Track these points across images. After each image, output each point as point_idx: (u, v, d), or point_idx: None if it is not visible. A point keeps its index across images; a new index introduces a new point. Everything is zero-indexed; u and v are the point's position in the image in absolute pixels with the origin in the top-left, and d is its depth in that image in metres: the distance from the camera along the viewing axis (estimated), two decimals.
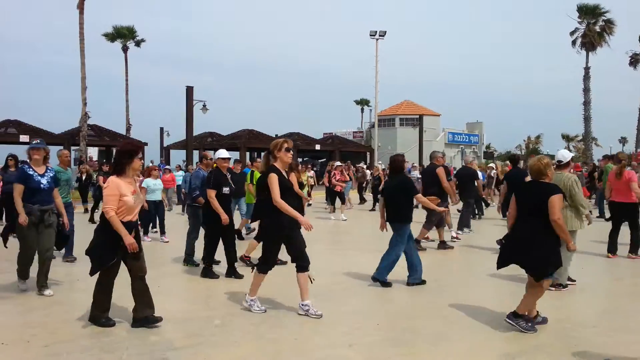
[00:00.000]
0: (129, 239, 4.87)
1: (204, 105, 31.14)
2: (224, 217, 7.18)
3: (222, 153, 7.66)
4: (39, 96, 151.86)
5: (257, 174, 9.53)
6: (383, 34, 38.57)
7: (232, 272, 7.31)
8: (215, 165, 7.81)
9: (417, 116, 46.56)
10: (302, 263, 5.52)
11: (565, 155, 6.66)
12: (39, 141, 6.64)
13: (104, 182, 5.82)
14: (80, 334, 4.87)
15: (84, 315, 5.40)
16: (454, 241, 10.66)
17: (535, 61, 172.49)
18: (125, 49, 42.52)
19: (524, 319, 5.04)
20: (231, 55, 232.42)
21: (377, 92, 40.21)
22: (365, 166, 20.89)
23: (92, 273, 5.02)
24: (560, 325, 5.30)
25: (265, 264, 5.57)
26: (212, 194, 7.21)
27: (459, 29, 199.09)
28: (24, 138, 28.45)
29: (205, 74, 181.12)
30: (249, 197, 10.62)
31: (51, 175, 6.50)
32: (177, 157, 43.70)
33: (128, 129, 40.15)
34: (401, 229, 6.90)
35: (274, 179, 5.31)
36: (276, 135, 44.36)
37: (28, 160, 6.45)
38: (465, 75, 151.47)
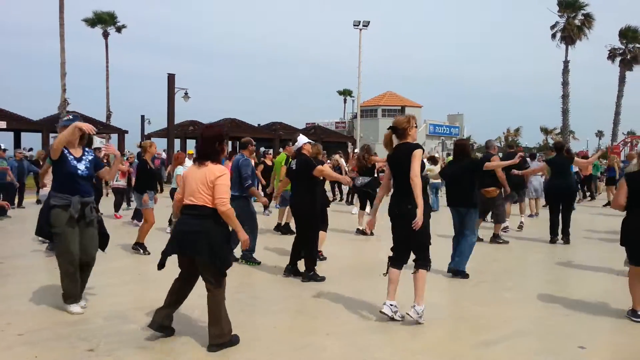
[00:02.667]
0: (244, 235, 4.35)
1: (186, 93, 30.85)
2: (348, 180, 7.59)
3: (305, 138, 7.21)
4: (17, 82, 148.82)
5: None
6: (367, 24, 38.44)
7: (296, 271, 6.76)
8: (297, 151, 7.19)
9: (399, 107, 46.68)
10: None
11: None
12: (71, 117, 5.31)
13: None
14: (56, 322, 4.81)
15: (61, 303, 5.35)
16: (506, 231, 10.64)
17: (516, 55, 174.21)
18: (105, 34, 41.78)
19: None
20: (213, 43, 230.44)
21: (360, 83, 40.16)
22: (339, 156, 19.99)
23: (225, 272, 4.33)
24: (536, 313, 5.40)
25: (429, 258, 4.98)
26: (322, 169, 6.83)
27: (441, 22, 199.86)
28: (0, 124, 27.90)
29: (187, 61, 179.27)
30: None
31: (90, 158, 5.23)
32: (159, 145, 43.20)
33: (108, 116, 39.58)
34: (475, 214, 7.01)
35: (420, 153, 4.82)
36: (259, 124, 44.13)
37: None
38: (446, 68, 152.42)
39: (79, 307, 5.12)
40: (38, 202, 14.68)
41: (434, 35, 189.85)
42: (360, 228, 10.51)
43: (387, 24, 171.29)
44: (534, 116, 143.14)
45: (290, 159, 6.85)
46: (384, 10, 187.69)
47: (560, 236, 9.57)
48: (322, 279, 6.54)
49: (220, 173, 4.24)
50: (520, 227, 11.22)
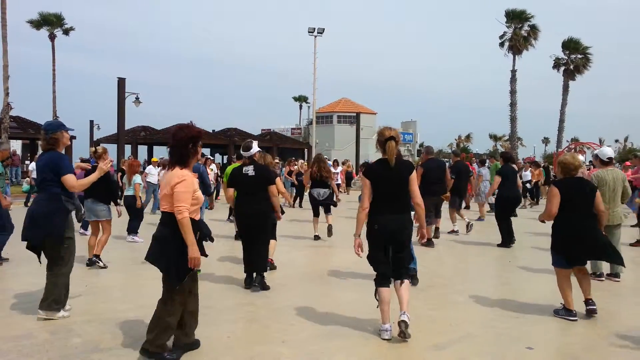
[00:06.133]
0: (194, 252, 4.02)
1: (137, 98, 30.12)
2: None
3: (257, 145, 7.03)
4: None
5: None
6: (321, 32, 38.75)
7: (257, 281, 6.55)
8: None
9: (355, 114, 47.08)
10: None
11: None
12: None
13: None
14: None
15: (6, 314, 5.10)
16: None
17: (467, 63, 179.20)
18: (52, 37, 40.42)
19: None
20: (166, 47, 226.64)
21: (315, 89, 40.55)
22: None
23: (176, 284, 4.09)
24: (486, 316, 5.52)
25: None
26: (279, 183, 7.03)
27: (395, 30, 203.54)
28: None
29: (138, 65, 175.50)
30: None
31: None
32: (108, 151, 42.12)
33: None
34: None
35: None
36: (213, 130, 43.58)
37: (55, 146, 5.13)
38: (400, 76, 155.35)
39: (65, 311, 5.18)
40: None
41: (387, 44, 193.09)
42: (317, 234, 10.60)
43: (342, 32, 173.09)
44: (483, 123, 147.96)
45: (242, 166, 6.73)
46: (339, 19, 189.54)
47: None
48: (268, 287, 6.45)
49: (179, 179, 4.03)
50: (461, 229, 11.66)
